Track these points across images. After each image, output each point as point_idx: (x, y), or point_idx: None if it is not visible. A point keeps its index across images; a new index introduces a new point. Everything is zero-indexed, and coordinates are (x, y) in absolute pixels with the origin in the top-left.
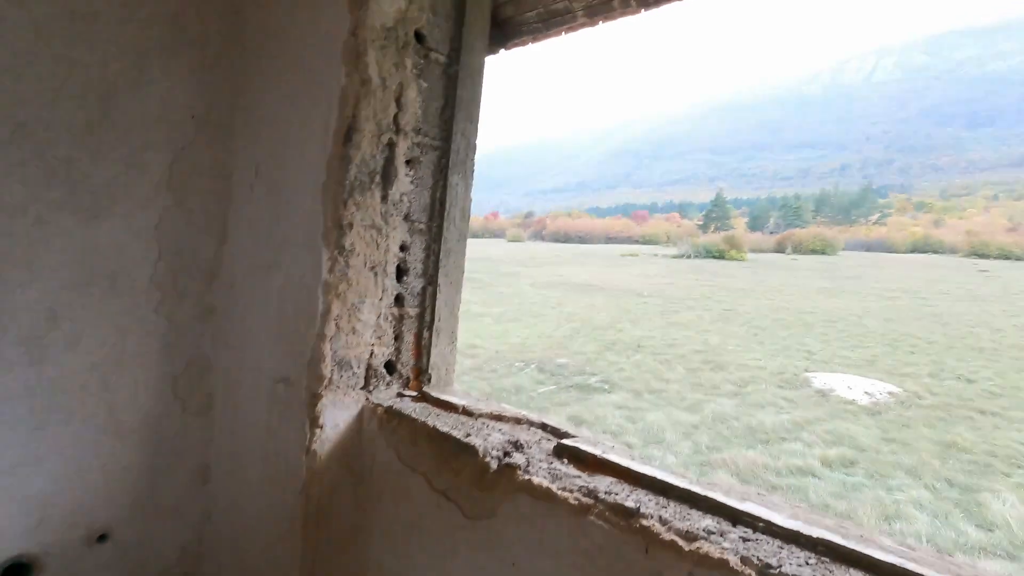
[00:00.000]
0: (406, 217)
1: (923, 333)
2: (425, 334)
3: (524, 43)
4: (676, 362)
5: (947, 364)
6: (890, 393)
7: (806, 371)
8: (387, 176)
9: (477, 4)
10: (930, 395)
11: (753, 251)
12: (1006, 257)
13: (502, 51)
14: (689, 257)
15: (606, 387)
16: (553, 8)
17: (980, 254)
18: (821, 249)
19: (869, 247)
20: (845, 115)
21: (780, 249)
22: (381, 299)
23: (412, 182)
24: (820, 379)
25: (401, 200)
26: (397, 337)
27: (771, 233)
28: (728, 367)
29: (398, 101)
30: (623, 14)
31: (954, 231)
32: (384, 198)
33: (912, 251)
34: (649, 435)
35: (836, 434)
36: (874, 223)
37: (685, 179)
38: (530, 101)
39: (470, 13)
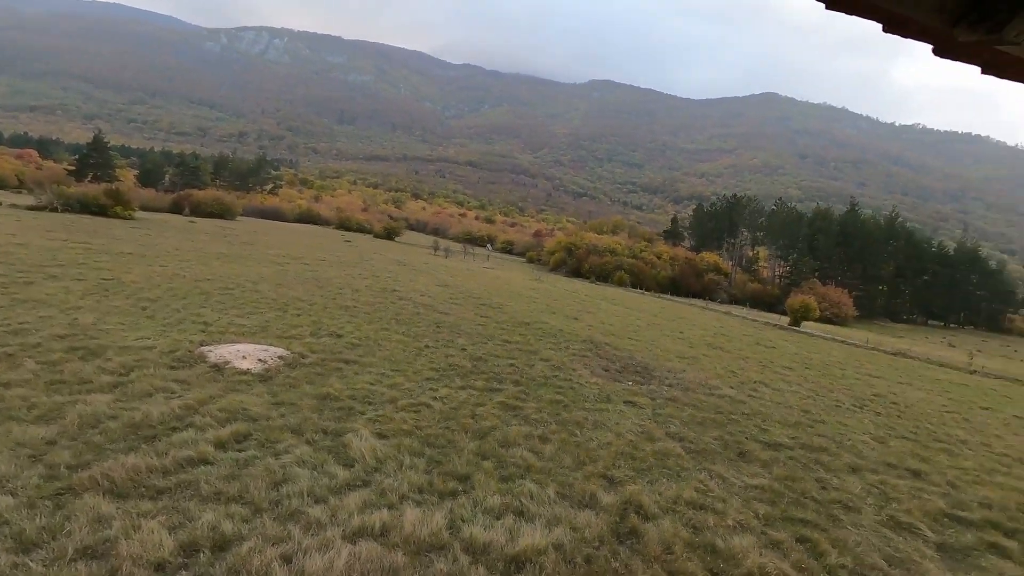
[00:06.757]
0: None
1: (306, 296)
2: None
3: None
4: (24, 355)
5: (323, 323)
6: (280, 357)
7: (202, 345)
8: None
9: None
10: (311, 353)
11: (145, 209)
12: (361, 230)
13: None
14: (56, 210)
15: None
16: None
17: (345, 227)
18: (220, 212)
19: (263, 214)
20: (242, 83)
21: (177, 209)
22: None
23: None
24: (216, 352)
25: None
26: None
27: (167, 191)
28: (106, 351)
29: None
30: None
31: (328, 206)
32: None
33: (298, 220)
34: None
35: (230, 410)
36: (268, 192)
37: (50, 108)
38: None
39: None
